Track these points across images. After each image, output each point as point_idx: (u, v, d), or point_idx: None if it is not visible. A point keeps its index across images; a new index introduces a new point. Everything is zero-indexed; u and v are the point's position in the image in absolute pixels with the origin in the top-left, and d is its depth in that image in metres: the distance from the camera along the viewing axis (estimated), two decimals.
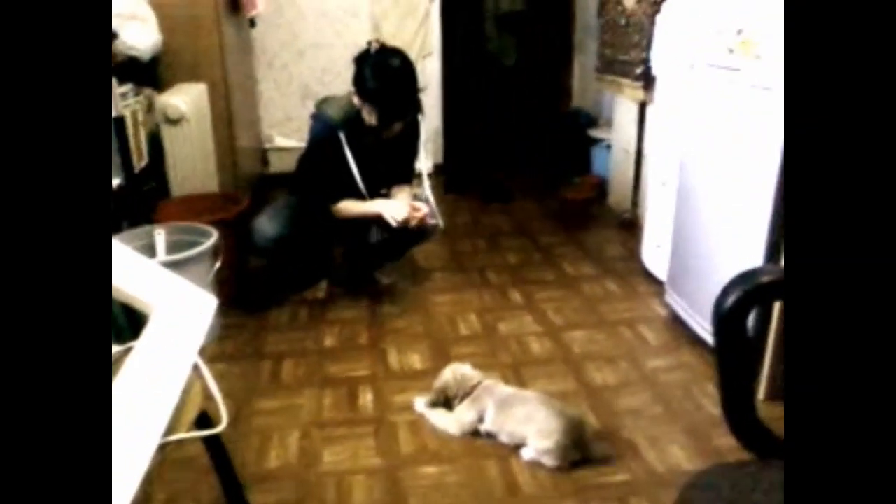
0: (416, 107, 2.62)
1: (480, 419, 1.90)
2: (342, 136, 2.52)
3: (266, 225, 2.59)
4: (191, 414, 1.12)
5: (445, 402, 1.98)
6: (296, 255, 2.71)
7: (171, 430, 1.03)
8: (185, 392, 1.10)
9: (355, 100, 2.50)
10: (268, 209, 2.69)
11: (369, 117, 2.48)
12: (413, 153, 2.76)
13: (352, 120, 2.52)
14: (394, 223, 2.50)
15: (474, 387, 1.95)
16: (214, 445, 1.29)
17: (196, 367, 1.25)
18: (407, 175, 2.78)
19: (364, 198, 2.61)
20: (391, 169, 2.71)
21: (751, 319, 2.03)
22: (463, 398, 1.94)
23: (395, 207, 2.53)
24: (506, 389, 1.95)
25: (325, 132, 2.55)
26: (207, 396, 1.29)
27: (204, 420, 1.21)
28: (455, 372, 2.00)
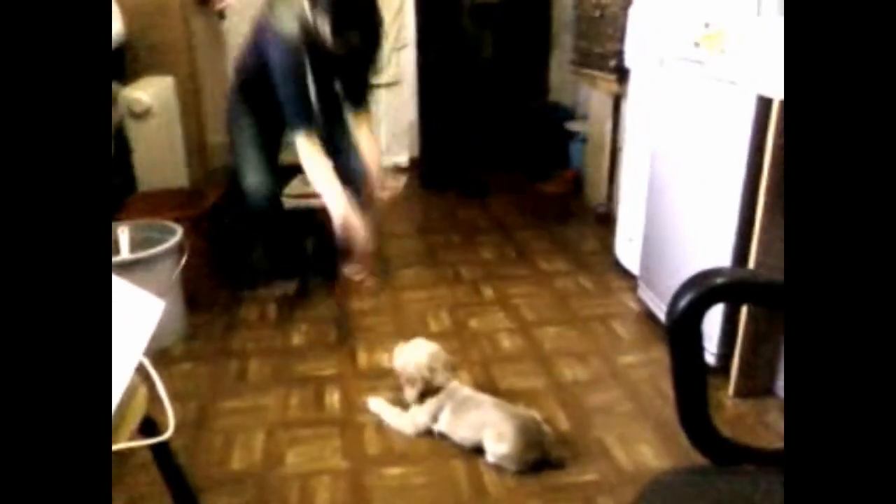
0: (375, 15, 2.31)
1: (435, 419, 1.88)
2: (305, 57, 2.26)
3: (255, 181, 2.46)
4: (133, 420, 1.09)
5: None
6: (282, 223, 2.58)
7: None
8: (127, 398, 1.06)
9: (306, 6, 2.21)
10: (245, 165, 2.51)
11: (322, 27, 2.18)
12: (368, 67, 2.47)
13: (307, 32, 2.21)
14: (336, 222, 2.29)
15: (439, 388, 1.91)
16: (162, 452, 1.25)
17: (144, 371, 1.21)
18: (361, 94, 2.54)
19: (319, 129, 2.36)
20: (346, 87, 2.51)
21: (719, 318, 2.04)
22: (425, 394, 1.90)
23: (339, 209, 2.28)
24: (463, 392, 1.90)
25: (290, 57, 2.24)
26: (156, 401, 1.25)
27: (151, 426, 1.17)
28: (419, 366, 1.91)
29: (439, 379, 1.91)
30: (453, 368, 1.97)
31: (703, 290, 0.98)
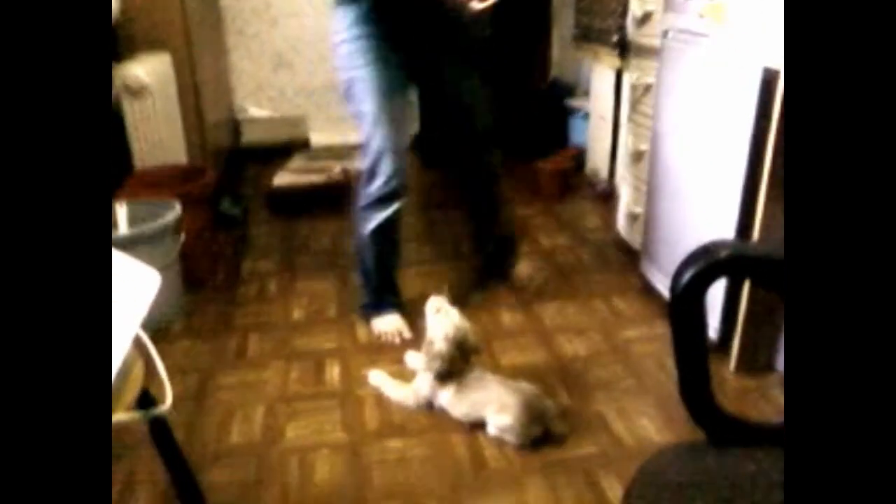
0: None
1: (436, 394, 1.87)
2: None
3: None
4: (130, 394, 1.08)
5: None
6: None
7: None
8: (124, 371, 1.05)
9: None
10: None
11: None
12: None
13: None
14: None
15: (464, 369, 1.86)
16: (158, 427, 1.24)
17: (142, 346, 1.20)
18: None
19: None
20: None
21: (721, 293, 2.02)
22: (445, 376, 1.84)
23: None
24: (470, 372, 1.87)
25: None
26: (153, 375, 1.24)
27: (148, 400, 1.16)
28: (450, 339, 1.82)
29: (459, 364, 1.85)
30: (477, 352, 1.92)
31: (707, 263, 0.96)
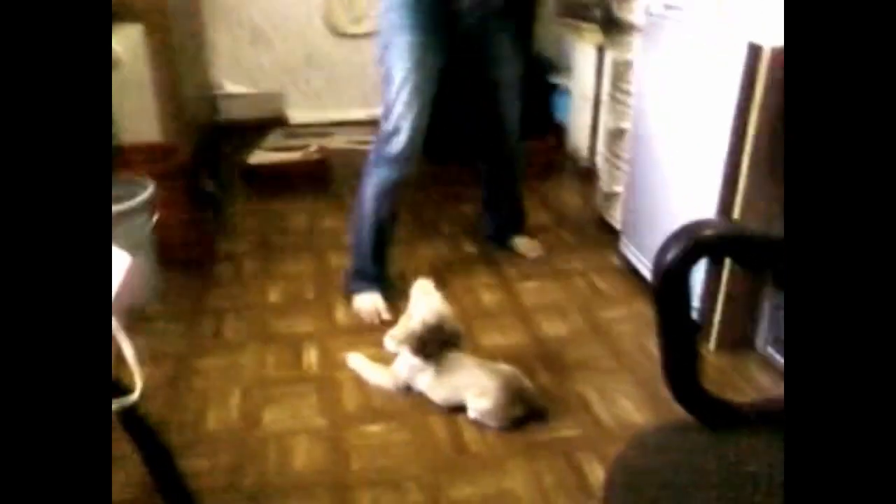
0: None
1: (414, 378, 1.84)
2: None
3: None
4: None
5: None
6: None
7: None
8: None
9: None
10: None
11: None
12: None
13: None
14: None
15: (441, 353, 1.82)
16: (130, 416, 1.20)
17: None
18: None
19: None
20: None
21: (700, 271, 2.01)
22: (426, 350, 1.81)
23: None
24: (447, 356, 1.83)
25: None
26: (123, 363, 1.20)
27: (117, 389, 1.12)
28: (427, 323, 1.79)
29: (434, 348, 1.82)
30: (455, 339, 1.86)
31: (690, 243, 0.94)
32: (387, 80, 2.16)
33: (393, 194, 2.26)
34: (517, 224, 2.74)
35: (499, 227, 2.74)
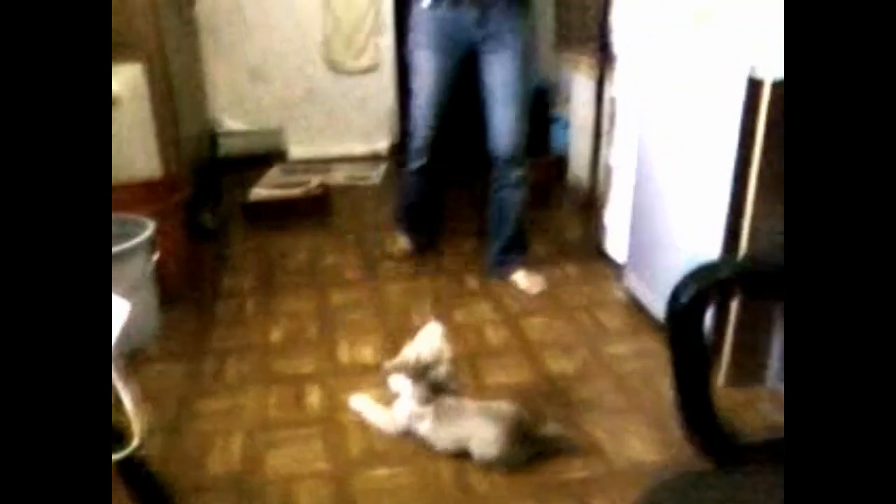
0: None
1: (414, 425, 1.80)
2: None
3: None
4: None
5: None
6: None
7: None
8: None
9: None
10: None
11: None
12: None
13: None
14: None
15: (437, 392, 1.79)
16: (128, 465, 1.17)
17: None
18: None
19: None
20: None
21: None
22: (417, 380, 1.78)
23: None
24: (445, 401, 1.78)
25: None
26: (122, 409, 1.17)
27: (115, 437, 1.09)
28: (421, 358, 1.78)
29: (427, 390, 1.79)
30: (452, 383, 1.83)
31: (707, 282, 0.92)
32: (412, 86, 2.68)
33: (417, 175, 2.78)
34: (518, 257, 2.73)
35: (498, 258, 2.74)
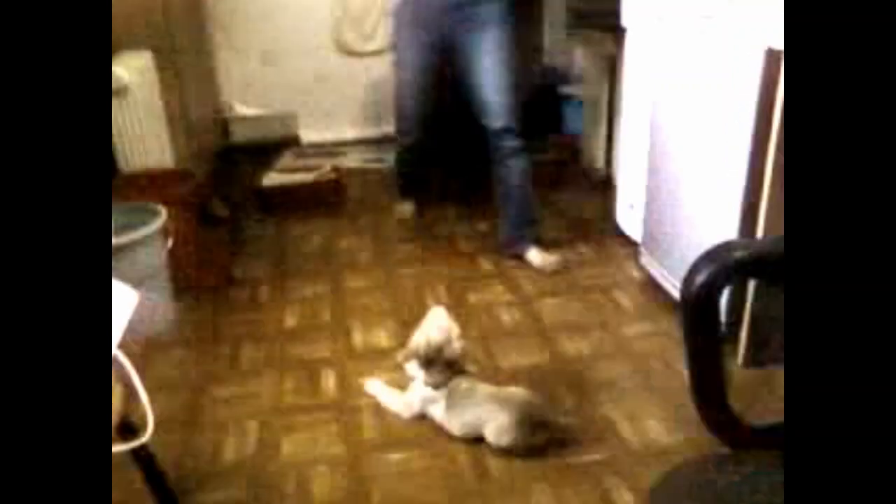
0: None
1: (426, 408, 1.79)
2: None
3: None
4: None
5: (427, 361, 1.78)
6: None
7: None
8: None
9: None
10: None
11: None
12: None
13: None
14: None
15: (451, 368, 1.78)
16: (141, 454, 1.17)
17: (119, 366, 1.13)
18: None
19: None
20: None
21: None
22: (431, 364, 1.77)
23: None
24: (459, 384, 1.77)
25: None
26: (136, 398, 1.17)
27: (128, 428, 1.09)
28: (431, 341, 1.76)
29: (441, 372, 1.77)
30: (465, 362, 1.83)
31: (722, 264, 0.90)
32: (397, 73, 2.86)
33: (409, 152, 3.04)
34: (529, 232, 2.72)
35: (509, 234, 2.74)
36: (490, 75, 2.56)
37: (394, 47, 2.84)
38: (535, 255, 2.66)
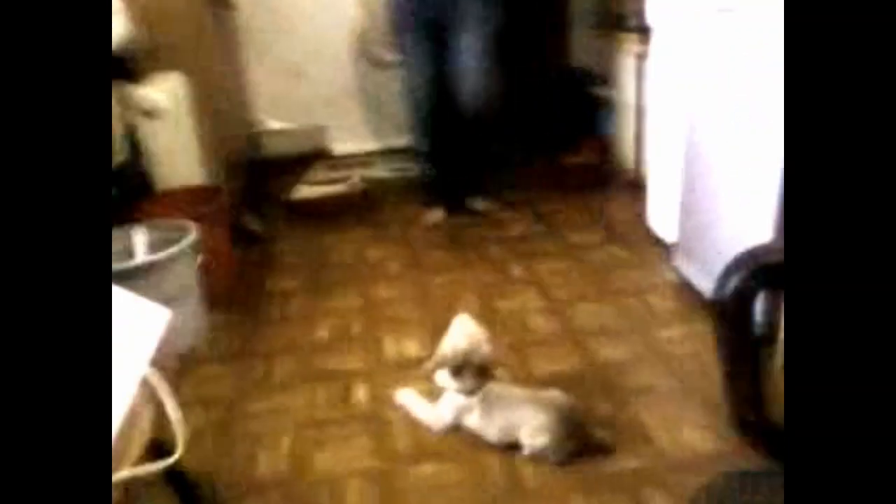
0: None
1: (461, 419, 1.77)
2: None
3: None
4: (137, 447, 1.01)
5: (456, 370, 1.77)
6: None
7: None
8: (129, 421, 0.99)
9: None
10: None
11: None
12: None
13: None
14: None
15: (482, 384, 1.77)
16: (173, 474, 1.18)
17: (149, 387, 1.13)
18: None
19: None
20: None
21: None
22: (461, 370, 1.76)
23: None
24: (492, 390, 1.76)
25: None
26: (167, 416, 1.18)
27: (160, 447, 1.09)
28: (457, 347, 1.76)
29: (474, 378, 1.76)
30: (494, 365, 1.82)
31: (754, 269, 0.87)
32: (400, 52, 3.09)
33: (429, 156, 3.23)
34: (477, 184, 3.23)
35: (459, 191, 3.19)
36: (468, 54, 2.88)
37: (395, 44, 3.05)
38: (475, 201, 3.23)
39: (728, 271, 0.90)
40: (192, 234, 2.27)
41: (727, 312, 0.91)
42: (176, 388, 1.20)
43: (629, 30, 3.23)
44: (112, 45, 2.49)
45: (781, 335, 1.88)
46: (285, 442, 1.83)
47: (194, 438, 1.70)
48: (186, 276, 2.27)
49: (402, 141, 4.46)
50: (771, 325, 1.91)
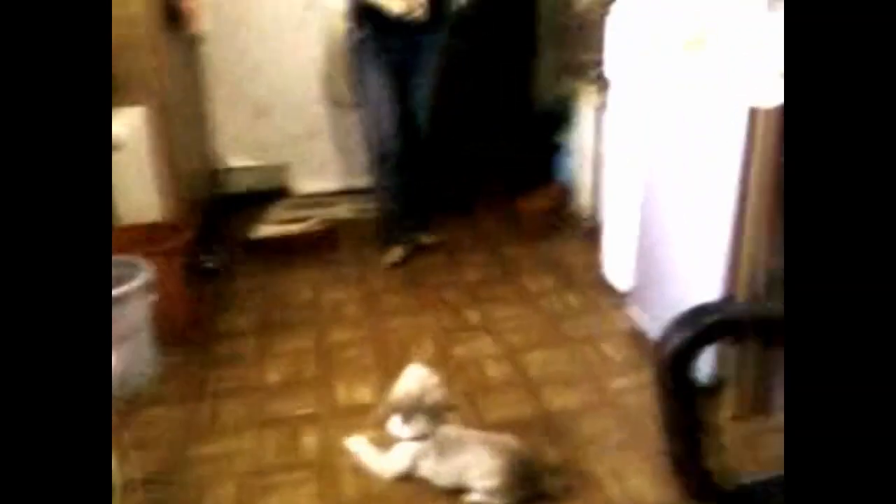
0: None
1: (416, 466, 1.76)
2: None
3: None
4: None
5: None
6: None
7: None
8: None
9: None
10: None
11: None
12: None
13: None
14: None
15: (435, 417, 1.77)
16: None
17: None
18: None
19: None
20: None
21: None
22: (413, 415, 1.75)
23: None
24: (447, 434, 1.77)
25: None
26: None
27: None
28: (409, 392, 1.76)
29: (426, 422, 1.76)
30: (447, 408, 1.81)
31: (694, 330, 0.89)
32: (362, 102, 3.18)
33: (387, 190, 3.26)
34: (423, 219, 3.35)
35: (408, 227, 3.27)
36: (423, 89, 3.08)
37: (356, 85, 3.15)
38: (422, 237, 3.34)
39: (667, 333, 0.92)
40: (144, 273, 2.23)
41: (667, 373, 0.93)
42: (120, 432, 1.17)
43: (589, 80, 3.31)
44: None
45: (732, 384, 1.92)
46: (230, 488, 1.79)
47: (137, 482, 1.66)
48: (137, 316, 2.22)
49: (363, 181, 4.48)
50: (721, 373, 1.96)
